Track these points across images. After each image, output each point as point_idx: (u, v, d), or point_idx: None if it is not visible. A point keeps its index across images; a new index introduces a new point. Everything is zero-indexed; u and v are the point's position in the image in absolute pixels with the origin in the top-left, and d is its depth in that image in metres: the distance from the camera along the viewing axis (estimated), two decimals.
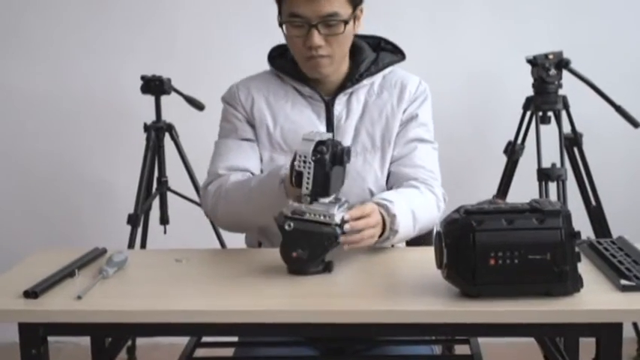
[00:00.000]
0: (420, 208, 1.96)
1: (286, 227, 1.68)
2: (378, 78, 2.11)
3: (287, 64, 2.10)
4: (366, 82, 2.09)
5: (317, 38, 1.96)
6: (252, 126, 2.10)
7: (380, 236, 1.84)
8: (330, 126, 2.06)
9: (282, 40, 2.11)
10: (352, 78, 2.07)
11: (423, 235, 2.07)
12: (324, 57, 1.99)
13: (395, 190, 2.02)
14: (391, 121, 2.07)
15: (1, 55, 3.63)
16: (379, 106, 2.08)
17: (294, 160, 1.72)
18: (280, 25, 2.00)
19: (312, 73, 2.04)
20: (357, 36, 2.11)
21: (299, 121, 2.05)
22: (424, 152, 2.09)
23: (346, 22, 1.96)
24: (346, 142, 2.05)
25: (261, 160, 2.08)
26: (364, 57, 2.09)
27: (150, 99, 3.21)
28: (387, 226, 1.84)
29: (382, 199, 1.89)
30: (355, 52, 2.10)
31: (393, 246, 2.04)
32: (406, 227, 1.89)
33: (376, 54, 2.12)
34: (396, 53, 2.15)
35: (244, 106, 2.10)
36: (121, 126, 3.60)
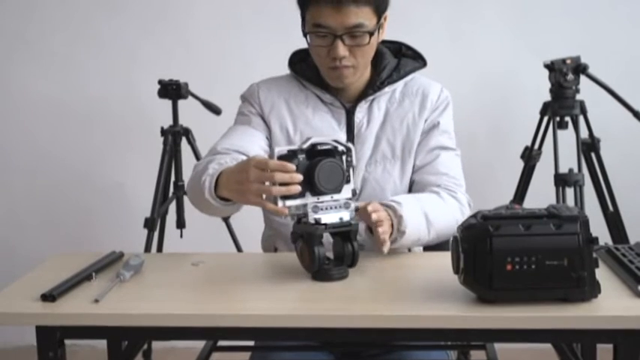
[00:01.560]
0: (437, 212, 1.94)
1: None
2: (399, 85, 2.10)
3: (308, 70, 2.09)
4: (387, 89, 2.07)
5: (342, 49, 1.94)
6: (265, 124, 2.09)
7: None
8: (350, 134, 2.05)
9: (298, 45, 2.11)
10: (374, 85, 2.06)
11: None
12: (348, 67, 1.98)
13: (410, 194, 2.01)
14: (412, 130, 2.06)
15: (17, 60, 3.66)
16: (400, 115, 2.07)
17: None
18: (305, 34, 1.99)
19: (336, 82, 2.03)
20: None
21: (320, 127, 2.04)
22: (447, 159, 2.07)
23: (371, 34, 1.95)
24: (366, 150, 2.04)
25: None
26: (385, 63, 2.08)
27: (167, 103, 3.22)
28: (395, 227, 1.83)
29: (391, 200, 1.88)
30: (376, 58, 2.09)
31: (410, 250, 2.05)
32: (416, 229, 1.87)
33: (397, 60, 2.11)
34: (416, 59, 2.14)
35: (262, 106, 2.10)
36: (138, 130, 3.62)
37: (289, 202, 1.70)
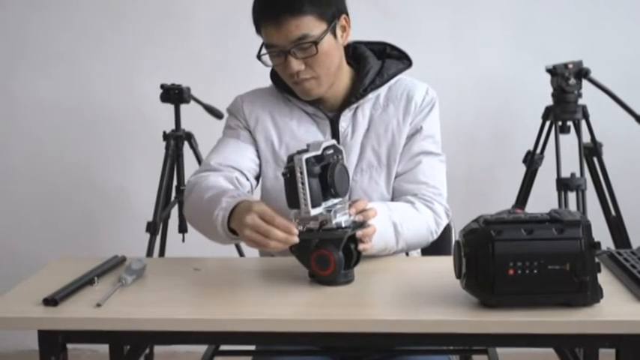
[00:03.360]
0: (408, 222, 1.92)
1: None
2: (383, 90, 2.06)
3: None
4: (371, 95, 2.04)
5: (294, 64, 1.92)
6: (253, 138, 2.07)
7: None
8: None
9: None
10: (356, 92, 2.02)
11: (441, 244, 2.06)
12: (309, 79, 1.95)
13: (382, 202, 1.98)
14: (397, 137, 2.03)
15: (19, 64, 3.66)
16: (385, 121, 2.04)
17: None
18: (258, 57, 1.96)
19: (304, 96, 2.01)
20: (361, 43, 2.08)
21: (305, 139, 1.99)
22: (429, 166, 2.03)
23: (316, 43, 1.90)
24: (352, 159, 2.02)
25: (266, 177, 2.05)
26: (368, 68, 2.04)
27: (169, 107, 3.23)
28: None
29: None
30: (359, 61, 2.06)
31: (407, 254, 2.04)
32: (383, 239, 1.85)
33: (381, 62, 2.06)
34: (401, 59, 2.09)
35: (247, 120, 2.08)
36: (141, 134, 3.62)
37: (316, 211, 1.68)
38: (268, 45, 1.94)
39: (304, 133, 2.04)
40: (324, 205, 1.71)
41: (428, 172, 2.03)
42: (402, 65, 2.08)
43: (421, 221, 1.97)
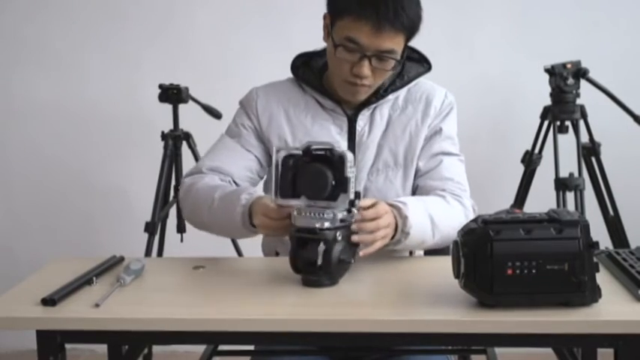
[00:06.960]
0: (442, 215, 1.91)
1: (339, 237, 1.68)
2: (402, 92, 2.07)
3: (311, 75, 2.07)
4: (390, 96, 2.05)
5: (367, 69, 1.91)
6: (260, 140, 2.08)
7: (392, 238, 1.79)
8: (352, 142, 2.03)
9: (299, 50, 2.10)
10: (377, 93, 2.03)
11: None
12: (365, 86, 1.96)
13: (415, 196, 1.99)
14: (415, 138, 2.04)
15: (18, 65, 3.66)
16: (403, 122, 2.05)
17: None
18: (335, 45, 1.92)
19: (348, 96, 2.00)
20: None
21: (319, 136, 2.01)
22: (451, 165, 2.05)
23: (398, 61, 1.93)
24: (368, 158, 2.03)
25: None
26: None
27: (167, 107, 3.22)
28: (399, 228, 1.80)
29: (396, 200, 1.85)
30: None
31: (411, 254, 2.04)
32: (421, 231, 1.84)
33: (402, 64, 2.07)
34: (421, 62, 2.10)
35: (259, 118, 2.08)
36: (139, 134, 3.62)
37: (280, 201, 1.72)
38: (349, 39, 1.90)
39: (318, 130, 2.04)
40: (297, 201, 1.70)
41: (451, 169, 2.05)
42: (422, 69, 2.10)
43: (454, 215, 1.96)
